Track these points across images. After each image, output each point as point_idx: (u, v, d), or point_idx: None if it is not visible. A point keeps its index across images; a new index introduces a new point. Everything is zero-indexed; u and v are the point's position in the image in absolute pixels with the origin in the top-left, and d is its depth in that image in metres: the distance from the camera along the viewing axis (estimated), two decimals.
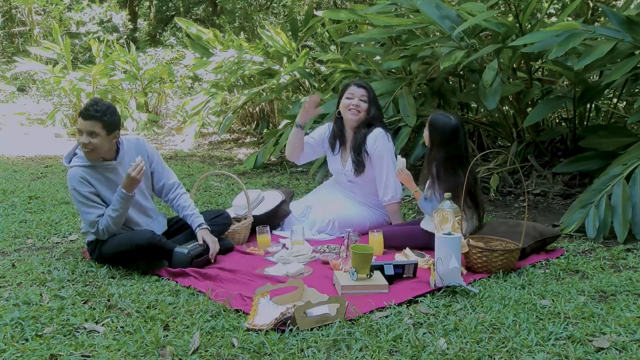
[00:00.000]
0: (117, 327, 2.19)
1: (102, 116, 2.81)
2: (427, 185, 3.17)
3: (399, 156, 3.35)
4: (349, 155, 3.59)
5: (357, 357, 1.96)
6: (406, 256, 2.99)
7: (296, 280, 2.54)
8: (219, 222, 3.24)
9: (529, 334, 2.10)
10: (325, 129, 3.75)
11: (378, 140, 3.48)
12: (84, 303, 2.44)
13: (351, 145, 3.56)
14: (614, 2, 5.93)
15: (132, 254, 2.82)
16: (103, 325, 2.22)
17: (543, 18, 5.73)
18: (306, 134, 3.73)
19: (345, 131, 3.62)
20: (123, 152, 2.99)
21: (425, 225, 3.23)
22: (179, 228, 3.23)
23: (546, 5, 5.58)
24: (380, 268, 2.70)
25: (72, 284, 2.67)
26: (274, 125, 7.82)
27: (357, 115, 3.50)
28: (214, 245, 3.01)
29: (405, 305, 2.41)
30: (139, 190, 3.02)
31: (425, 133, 3.16)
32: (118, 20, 12.57)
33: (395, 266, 2.72)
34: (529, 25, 4.51)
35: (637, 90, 4.78)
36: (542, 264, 2.94)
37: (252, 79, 7.44)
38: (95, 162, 2.89)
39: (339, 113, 3.57)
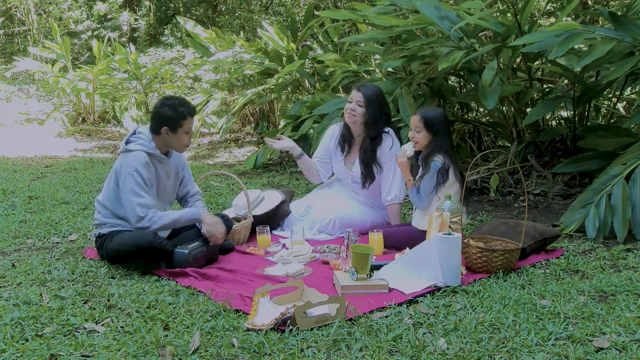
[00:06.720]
0: (117, 327, 2.19)
1: None
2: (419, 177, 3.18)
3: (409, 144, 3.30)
4: (355, 159, 3.59)
5: (357, 357, 1.96)
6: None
7: (296, 280, 2.54)
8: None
9: (529, 334, 2.10)
10: (328, 136, 3.76)
11: (393, 149, 3.48)
12: (84, 303, 2.44)
13: (360, 158, 3.56)
14: (612, 2, 5.92)
15: (133, 254, 2.82)
16: (103, 325, 2.23)
17: (541, 17, 5.74)
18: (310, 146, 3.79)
19: (353, 134, 3.62)
20: (171, 151, 3.14)
21: (416, 223, 3.23)
22: (183, 227, 3.22)
23: (544, 3, 5.58)
24: (380, 268, 2.70)
25: (72, 284, 2.67)
26: (274, 125, 7.81)
27: (352, 119, 3.50)
28: (210, 227, 3.01)
29: (405, 305, 2.42)
30: (169, 189, 3.18)
31: (421, 133, 3.16)
32: (124, 18, 12.54)
33: None
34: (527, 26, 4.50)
35: (636, 90, 4.78)
36: (542, 264, 2.95)
37: (251, 78, 7.43)
38: (155, 152, 3.01)
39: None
